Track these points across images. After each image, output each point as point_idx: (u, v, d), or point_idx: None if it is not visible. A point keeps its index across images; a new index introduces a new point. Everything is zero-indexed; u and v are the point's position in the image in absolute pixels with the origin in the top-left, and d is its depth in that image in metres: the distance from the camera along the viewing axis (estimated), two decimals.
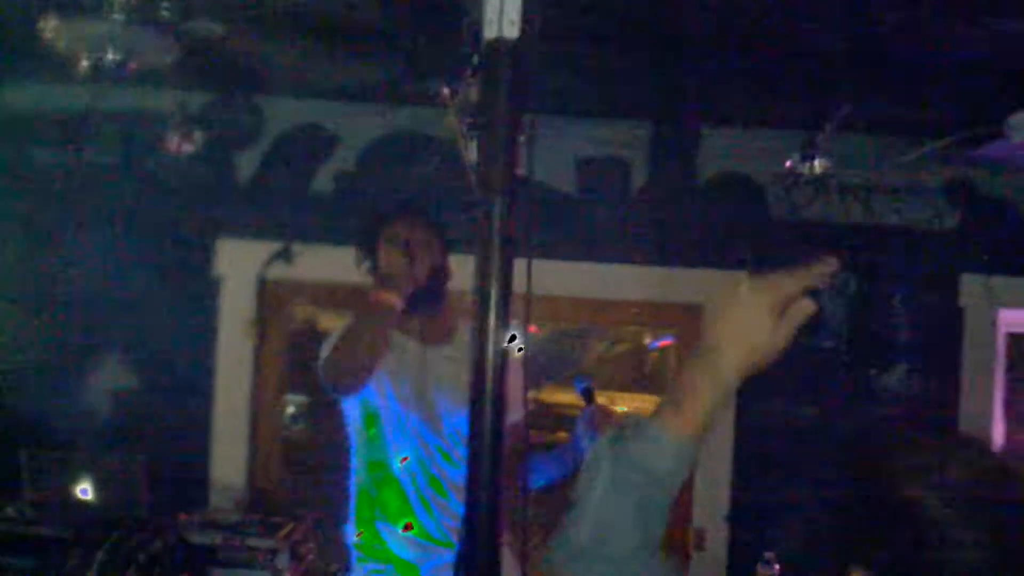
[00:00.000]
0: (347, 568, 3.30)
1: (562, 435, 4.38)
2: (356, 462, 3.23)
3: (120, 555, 1.49)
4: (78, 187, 4.17)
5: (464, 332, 3.07)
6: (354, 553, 3.24)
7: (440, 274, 3.09)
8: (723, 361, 1.44)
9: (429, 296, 3.06)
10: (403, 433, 3.13)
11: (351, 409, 3.19)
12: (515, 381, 1.94)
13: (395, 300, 2.95)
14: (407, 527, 3.13)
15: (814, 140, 3.77)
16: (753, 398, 4.00)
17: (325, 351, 3.10)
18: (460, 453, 3.02)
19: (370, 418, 3.14)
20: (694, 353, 1.48)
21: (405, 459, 3.13)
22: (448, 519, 3.10)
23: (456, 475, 3.05)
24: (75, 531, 1.68)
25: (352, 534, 3.23)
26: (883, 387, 4.26)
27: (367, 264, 3.16)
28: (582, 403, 3.25)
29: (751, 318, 1.44)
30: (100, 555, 1.50)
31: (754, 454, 4.21)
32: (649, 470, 1.40)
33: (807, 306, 1.44)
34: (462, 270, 2.87)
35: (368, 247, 3.16)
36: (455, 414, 3.05)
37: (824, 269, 1.46)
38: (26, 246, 4.22)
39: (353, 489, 3.24)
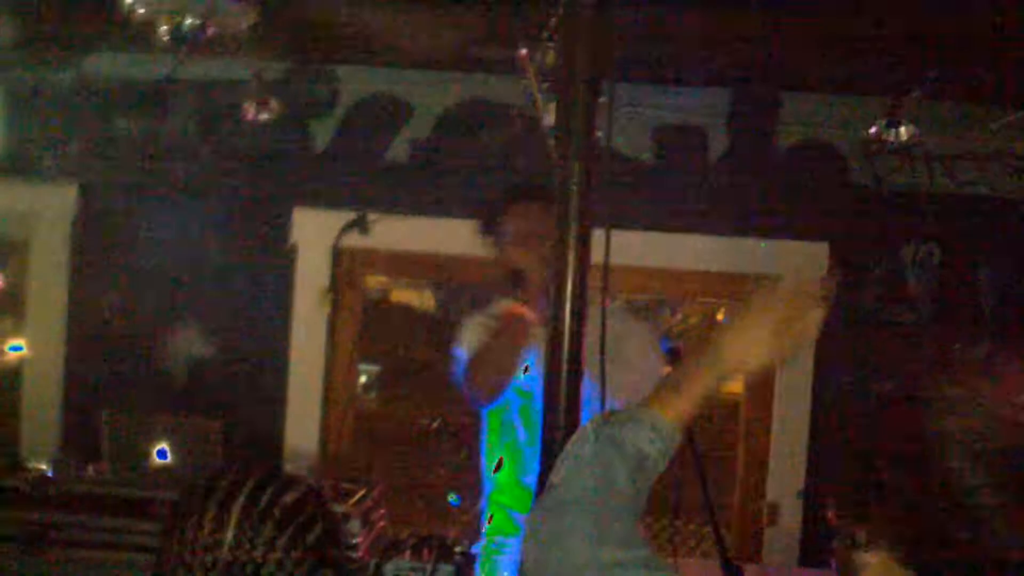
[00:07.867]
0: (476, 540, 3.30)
1: None
2: (489, 443, 3.25)
3: (257, 510, 1.48)
4: (156, 156, 4.22)
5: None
6: (484, 526, 3.28)
7: None
8: (725, 363, 1.50)
9: None
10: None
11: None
12: None
13: (534, 316, 2.94)
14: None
15: (899, 106, 3.67)
16: (830, 371, 3.92)
17: (462, 353, 3.11)
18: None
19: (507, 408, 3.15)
20: (702, 346, 1.54)
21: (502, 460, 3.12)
22: None
23: None
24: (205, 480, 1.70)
25: (485, 509, 3.27)
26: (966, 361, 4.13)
27: (495, 248, 3.14)
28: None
29: (759, 329, 1.50)
30: (237, 506, 1.48)
31: (830, 429, 4.12)
32: (639, 453, 1.42)
33: (814, 323, 1.52)
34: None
35: (497, 239, 3.15)
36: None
37: (830, 284, 1.55)
38: (105, 215, 4.28)
39: (487, 470, 3.27)
